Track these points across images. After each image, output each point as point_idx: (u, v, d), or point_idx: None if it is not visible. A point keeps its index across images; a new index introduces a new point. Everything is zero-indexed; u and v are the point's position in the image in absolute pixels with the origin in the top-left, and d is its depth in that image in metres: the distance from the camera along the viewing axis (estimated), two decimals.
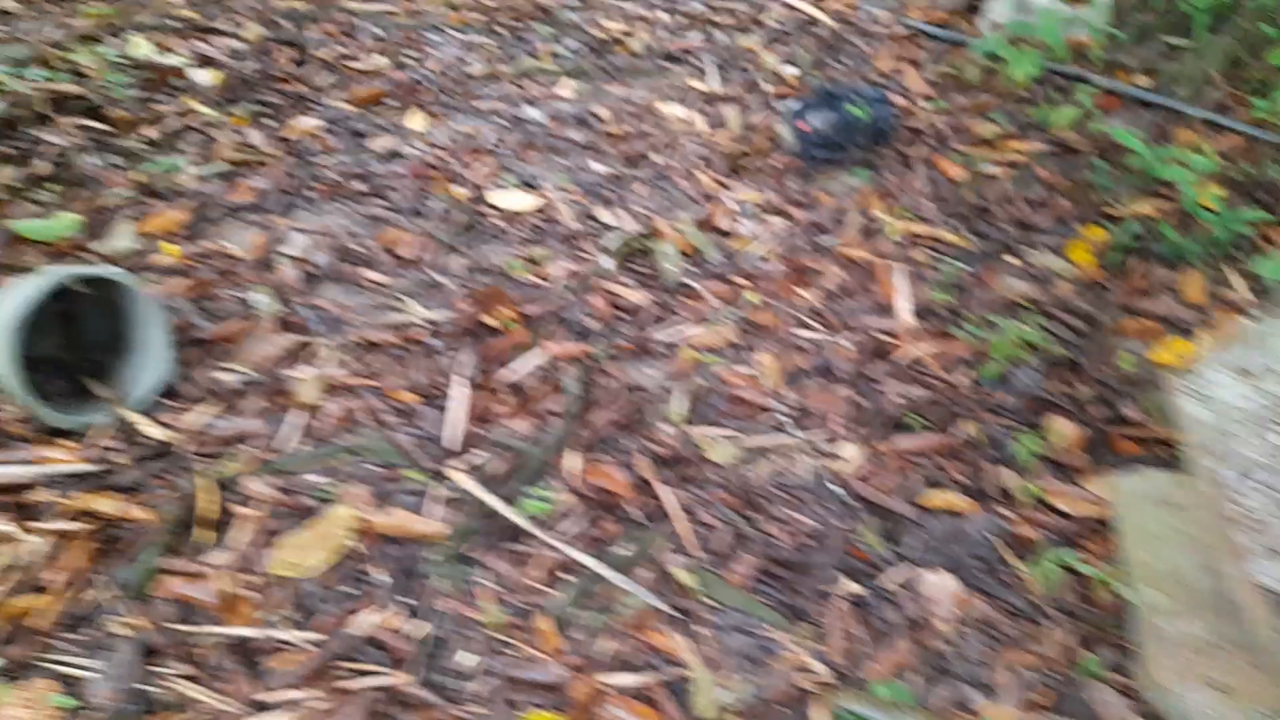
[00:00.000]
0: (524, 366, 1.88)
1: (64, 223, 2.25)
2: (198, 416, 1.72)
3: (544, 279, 2.14)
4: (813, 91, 2.83)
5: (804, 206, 2.44)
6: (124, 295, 1.75)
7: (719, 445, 1.72)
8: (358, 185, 2.49)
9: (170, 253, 2.19)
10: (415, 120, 2.83)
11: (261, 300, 2.01)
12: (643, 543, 1.51)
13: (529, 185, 2.49)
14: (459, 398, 1.77)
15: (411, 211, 2.39)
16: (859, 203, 2.44)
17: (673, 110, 2.93)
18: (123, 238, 2.22)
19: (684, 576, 1.45)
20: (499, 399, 1.81)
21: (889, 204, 2.42)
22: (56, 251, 2.18)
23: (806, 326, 2.02)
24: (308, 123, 2.75)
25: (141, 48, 3.05)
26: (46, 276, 1.59)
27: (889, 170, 2.57)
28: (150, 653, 1.32)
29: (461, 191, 2.45)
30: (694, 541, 1.53)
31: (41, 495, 1.56)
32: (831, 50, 3.34)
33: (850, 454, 1.73)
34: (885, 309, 2.08)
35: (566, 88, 3.07)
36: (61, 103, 2.68)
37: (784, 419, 1.79)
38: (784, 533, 1.57)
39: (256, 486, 1.56)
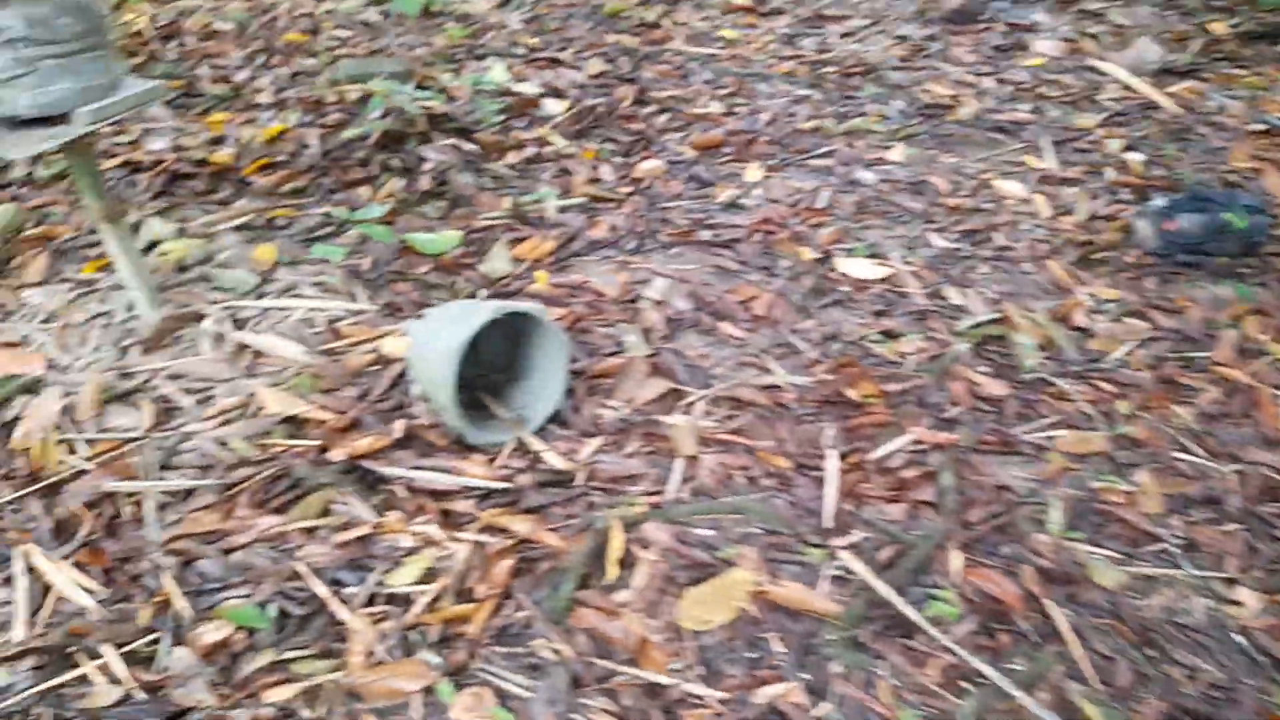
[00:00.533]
0: (891, 447, 1.88)
1: (449, 239, 2.45)
2: (589, 450, 1.82)
3: (899, 355, 2.14)
4: (1178, 188, 2.69)
5: (1168, 312, 2.32)
6: (533, 325, 1.88)
7: (1103, 568, 1.66)
8: (705, 234, 2.57)
9: (541, 280, 2.34)
10: (752, 172, 2.90)
11: (632, 341, 2.11)
12: (1038, 663, 1.47)
13: (875, 255, 2.50)
14: (833, 472, 1.80)
15: (761, 268, 2.44)
16: (1232, 317, 2.29)
17: (1010, 187, 2.86)
18: (499, 260, 2.39)
19: (1091, 710, 1.41)
20: (868, 478, 1.81)
21: (1267, 323, 2.26)
22: (443, 265, 2.37)
23: (1186, 450, 1.92)
24: (653, 165, 2.88)
25: (498, 73, 3.27)
26: (487, 310, 1.73)
27: (1266, 285, 2.41)
28: (576, 683, 1.41)
29: (808, 253, 2.48)
30: (1092, 672, 1.48)
31: (459, 505, 1.70)
32: (1177, 139, 3.16)
33: (1249, 600, 1.62)
34: (1275, 444, 1.94)
35: (897, 151, 3.06)
36: (436, 120, 2.92)
37: (1172, 550, 1.71)
38: (1187, 679, 1.49)
39: (655, 533, 1.64)
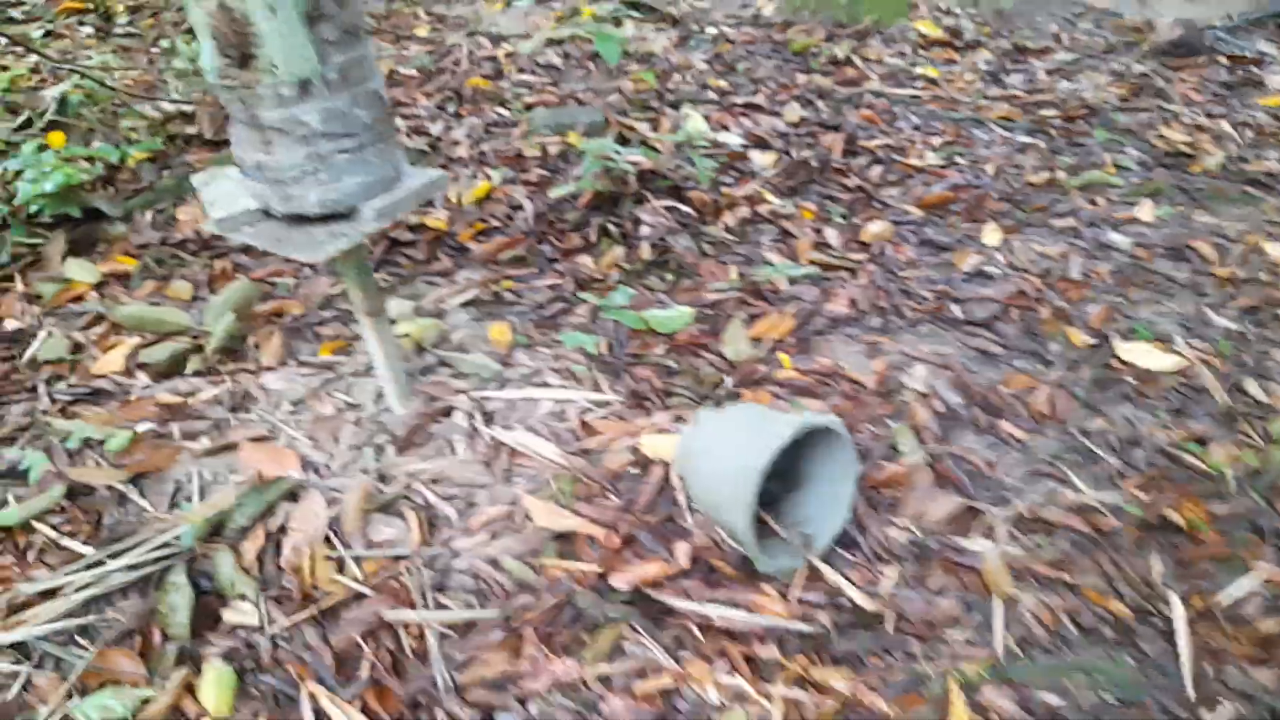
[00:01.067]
0: (1238, 590, 1.63)
1: (681, 316, 2.29)
2: (889, 583, 1.63)
3: (1214, 468, 1.88)
4: None
5: None
6: (819, 432, 1.69)
7: None
8: (955, 309, 2.35)
9: (786, 364, 2.15)
10: (990, 234, 2.66)
11: (906, 442, 1.90)
12: None
13: (1156, 338, 2.23)
14: (1181, 622, 1.55)
15: (1027, 352, 2.21)
16: None
17: None
18: (738, 341, 2.22)
19: None
20: (1221, 630, 1.57)
21: None
22: (679, 345, 2.21)
23: None
24: (880, 227, 2.66)
25: (697, 122, 3.11)
26: (786, 425, 1.55)
27: None
28: None
29: (1078, 335, 2.24)
30: None
31: (761, 650, 1.52)
32: None
33: None
34: None
35: (1145, 209, 2.78)
36: (646, 178, 2.77)
37: None
38: None
39: (996, 698, 1.43)
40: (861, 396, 2.07)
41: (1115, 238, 2.66)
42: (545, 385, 2.05)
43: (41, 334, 2.22)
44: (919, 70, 3.66)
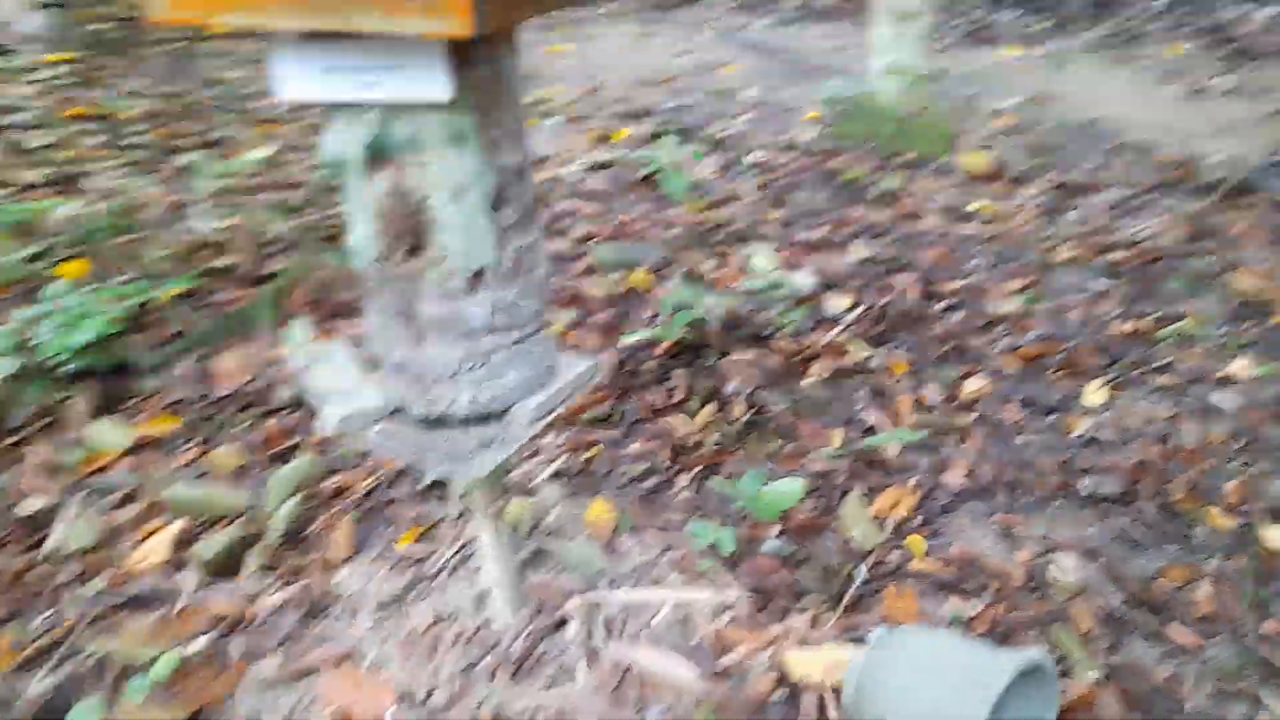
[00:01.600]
0: None
1: (791, 491, 2.09)
2: None
3: None
4: None
5: None
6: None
7: None
8: (1080, 483, 2.17)
9: (917, 552, 1.95)
10: (1092, 393, 2.51)
11: (1077, 655, 1.69)
12: None
13: None
14: None
15: (1174, 537, 2.02)
16: None
17: None
18: (859, 521, 2.02)
19: None
20: None
21: None
22: (794, 528, 1.99)
23: None
24: (978, 384, 2.51)
25: (764, 259, 2.96)
26: (999, 669, 1.34)
27: None
28: None
29: (1219, 516, 2.06)
30: None
31: None
32: None
33: None
34: None
35: (1240, 365, 2.65)
36: (725, 324, 2.60)
37: None
38: None
39: None
40: (1012, 594, 1.86)
41: (1219, 399, 2.52)
42: (663, 584, 1.81)
43: (66, 515, 1.94)
44: (974, 206, 3.57)
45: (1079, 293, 3.03)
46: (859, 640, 1.70)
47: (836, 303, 2.88)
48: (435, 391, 1.31)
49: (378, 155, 1.14)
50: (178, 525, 1.93)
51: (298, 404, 2.32)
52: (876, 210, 3.56)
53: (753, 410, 2.37)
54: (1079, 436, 2.36)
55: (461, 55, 1.05)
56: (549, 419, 1.39)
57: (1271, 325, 2.89)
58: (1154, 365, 2.67)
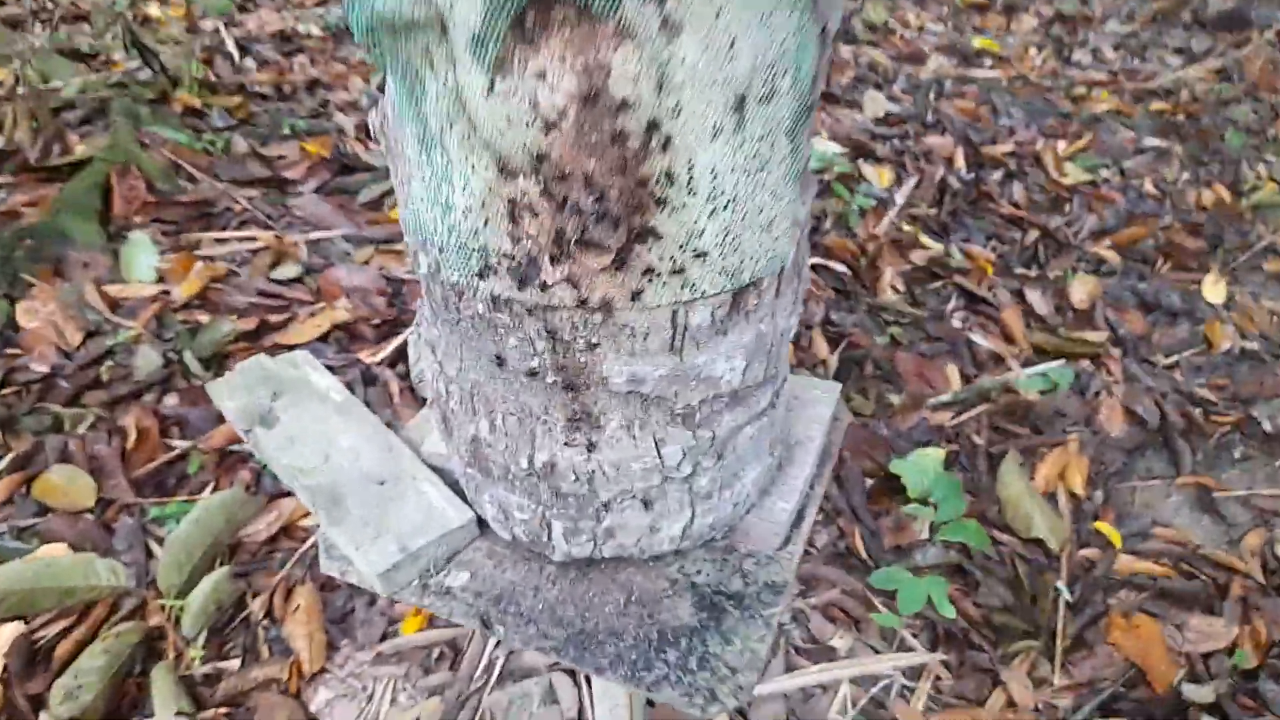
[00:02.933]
0: None
1: (933, 462, 1.50)
2: None
3: None
4: None
5: None
6: None
7: None
8: (1262, 422, 1.71)
9: (1115, 540, 1.43)
10: (1212, 288, 2.04)
11: None
12: None
13: None
14: None
15: None
16: None
17: None
18: (1029, 506, 1.47)
19: None
20: None
21: None
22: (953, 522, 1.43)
23: None
24: (1086, 286, 1.98)
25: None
26: None
27: None
28: None
29: None
30: None
31: None
32: None
33: None
34: None
35: None
36: None
37: None
38: None
39: None
40: (1254, 594, 1.37)
41: None
42: (833, 652, 1.19)
43: None
44: (975, 43, 2.95)
45: (1137, 154, 2.52)
46: (1109, 711, 1.17)
47: (875, 177, 2.22)
48: (617, 517, 0.59)
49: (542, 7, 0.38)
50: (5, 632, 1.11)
51: (172, 369, 1.47)
52: (872, 49, 2.87)
53: (840, 345, 1.72)
54: (1227, 352, 1.88)
55: None
56: (800, 545, 0.70)
57: None
58: (1256, 248, 2.22)
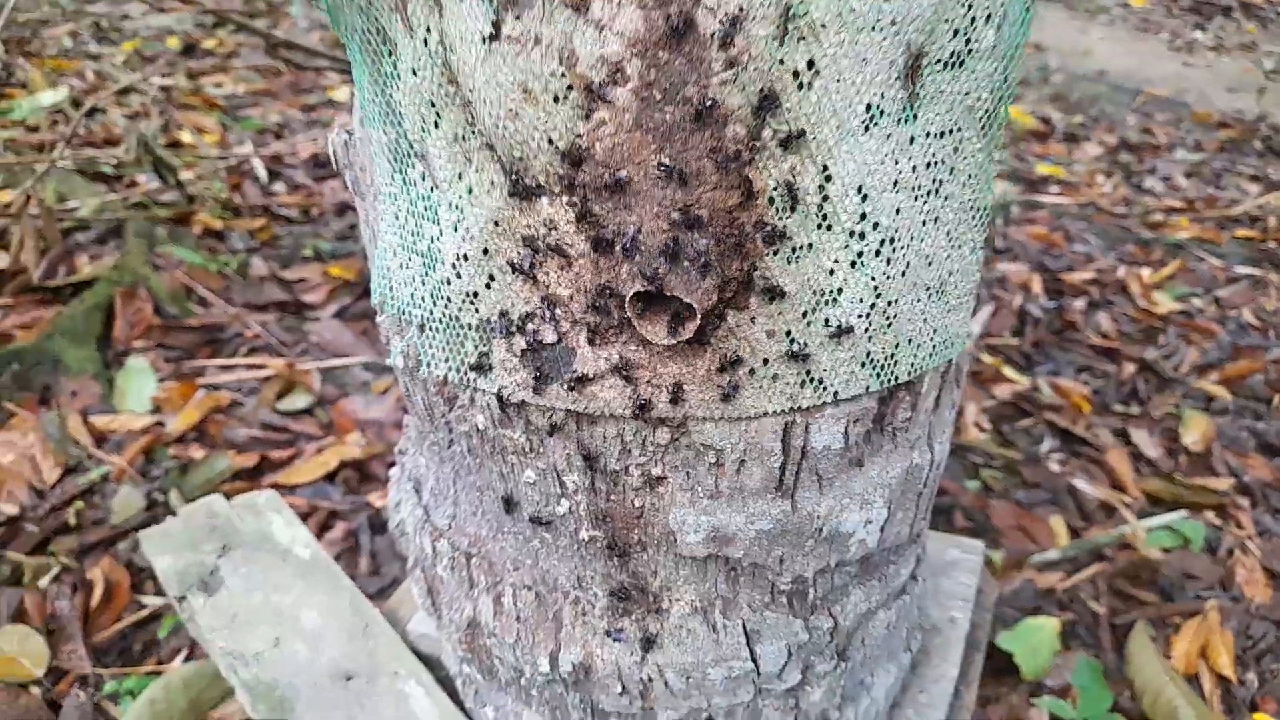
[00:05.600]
0: None
1: (1047, 636, 1.24)
2: None
3: None
4: None
5: None
6: None
7: None
8: None
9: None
10: None
11: None
12: None
13: None
14: None
15: None
16: None
17: None
18: (1166, 688, 1.18)
19: None
20: None
21: None
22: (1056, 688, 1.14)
23: None
24: (1199, 427, 1.73)
25: None
26: None
27: None
28: None
29: None
30: None
31: None
32: None
33: None
34: None
35: None
36: None
37: None
38: None
39: None
40: None
41: None
42: None
43: None
44: (1039, 169, 2.83)
45: (1230, 282, 2.32)
46: None
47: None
48: None
49: None
50: None
51: (155, 511, 1.27)
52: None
53: None
54: None
55: None
56: None
57: None
58: None
